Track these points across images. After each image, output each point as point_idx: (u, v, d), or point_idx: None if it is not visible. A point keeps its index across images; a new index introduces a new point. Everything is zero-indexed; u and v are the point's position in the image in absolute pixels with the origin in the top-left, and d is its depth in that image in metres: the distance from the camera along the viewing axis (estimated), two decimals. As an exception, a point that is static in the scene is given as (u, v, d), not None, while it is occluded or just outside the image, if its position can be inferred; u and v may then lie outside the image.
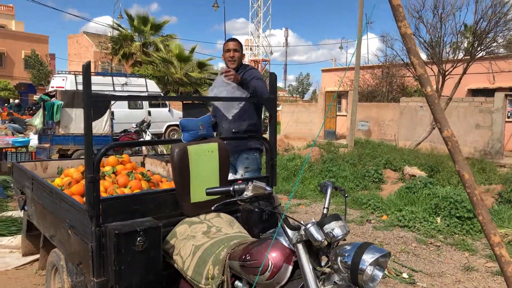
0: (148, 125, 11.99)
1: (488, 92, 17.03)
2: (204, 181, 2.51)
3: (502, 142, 13.80)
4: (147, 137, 11.75)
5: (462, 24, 11.08)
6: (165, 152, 12.33)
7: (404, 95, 18.09)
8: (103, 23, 62.95)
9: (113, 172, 3.32)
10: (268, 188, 1.79)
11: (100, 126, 10.20)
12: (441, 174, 7.43)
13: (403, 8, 1.75)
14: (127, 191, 3.02)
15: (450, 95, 11.01)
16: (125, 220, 2.29)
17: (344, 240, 1.85)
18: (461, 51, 10.82)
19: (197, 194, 2.49)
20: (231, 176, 3.20)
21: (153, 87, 15.77)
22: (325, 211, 2.02)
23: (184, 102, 2.82)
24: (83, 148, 7.81)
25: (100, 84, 13.99)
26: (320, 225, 1.80)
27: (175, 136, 16.12)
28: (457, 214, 5.35)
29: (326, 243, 1.78)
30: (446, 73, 10.45)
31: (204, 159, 2.50)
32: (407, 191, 6.36)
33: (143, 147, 11.55)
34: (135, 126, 12.03)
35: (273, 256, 1.86)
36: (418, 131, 15.29)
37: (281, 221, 1.81)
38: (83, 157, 2.23)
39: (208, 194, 1.90)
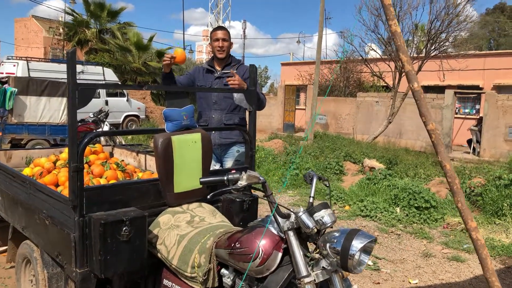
0: (106, 115, 11.67)
1: (438, 89, 17.89)
2: (187, 172, 2.52)
3: (451, 137, 14.59)
4: (106, 127, 11.45)
5: (413, 23, 11.49)
6: (123, 142, 12.08)
7: (361, 90, 18.66)
8: (55, 7, 60.03)
9: (86, 162, 3.25)
10: (262, 178, 1.84)
11: (57, 116, 9.85)
12: (399, 166, 7.78)
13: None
14: (102, 181, 2.97)
15: (406, 91, 11.49)
16: (108, 210, 2.27)
17: (331, 227, 1.94)
18: (415, 49, 11.28)
19: (181, 184, 2.50)
20: (213, 167, 3.21)
21: (111, 76, 15.33)
22: (311, 200, 2.10)
23: (167, 92, 2.78)
24: (38, 137, 7.51)
25: (55, 71, 13.45)
26: (310, 213, 1.87)
27: (133, 127, 15.79)
28: (416, 205, 5.64)
29: (315, 230, 1.86)
30: (403, 70, 10.87)
31: (188, 149, 2.51)
32: (368, 183, 6.62)
33: (102, 138, 11.26)
34: (92, 116, 11.68)
35: (263, 244, 1.92)
36: (374, 126, 15.85)
37: (274, 210, 1.86)
38: (49, 146, 2.18)
39: (202, 183, 1.92)
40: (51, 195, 2.39)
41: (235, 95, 3.21)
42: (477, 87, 17.20)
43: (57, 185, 2.94)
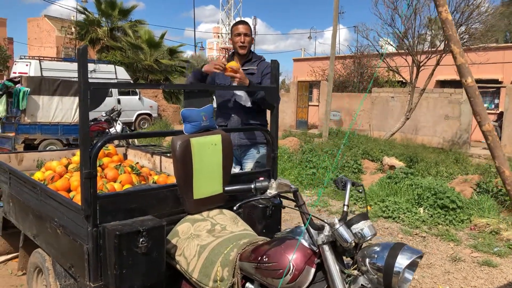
0: (119, 114, 11.59)
1: (456, 84, 17.48)
2: (207, 176, 2.35)
3: (470, 133, 14.21)
4: (118, 126, 11.36)
5: (426, 17, 11.09)
6: (136, 143, 11.99)
7: (375, 86, 18.32)
8: (67, 6, 60.43)
9: (99, 165, 3.09)
10: (293, 186, 1.66)
11: (70, 115, 9.77)
12: (420, 164, 7.51)
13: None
14: (117, 186, 2.81)
15: (424, 86, 11.18)
16: (123, 219, 2.11)
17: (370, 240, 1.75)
18: (434, 42, 10.95)
19: (200, 190, 2.33)
20: (232, 169, 3.03)
21: (123, 74, 15.26)
22: (345, 209, 1.90)
23: (185, 90, 2.62)
24: (51, 137, 7.41)
25: (67, 70, 13.41)
26: (347, 224, 1.68)
27: (146, 126, 15.71)
28: (441, 205, 5.40)
29: (353, 244, 1.67)
30: (421, 64, 10.57)
31: (207, 152, 2.33)
32: (389, 182, 6.39)
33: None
34: (104, 115, 11.59)
35: (295, 258, 1.74)
36: (389, 122, 15.52)
37: (307, 222, 1.68)
38: (64, 148, 2.02)
39: (226, 192, 1.75)
40: (63, 203, 2.23)
41: (238, 92, 3.08)
42: (496, 81, 16.76)
43: (69, 191, 2.79)
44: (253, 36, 3.38)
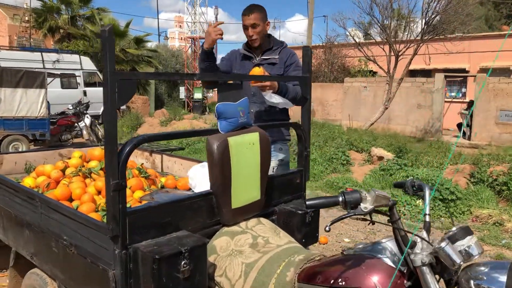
0: (87, 107, 10.95)
1: (424, 73, 17.75)
2: (245, 181, 2.02)
3: (441, 121, 14.45)
4: (87, 119, 10.72)
5: (389, 5, 10.92)
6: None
7: (346, 76, 18.31)
8: (17, -6, 57.11)
9: (101, 169, 2.69)
10: (392, 199, 1.37)
11: (35, 109, 9.06)
12: (409, 155, 7.43)
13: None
14: (128, 192, 2.42)
15: (402, 76, 11.16)
16: (154, 236, 1.75)
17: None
18: (411, 32, 10.93)
19: (239, 197, 2.00)
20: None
21: (89, 65, 14.45)
22: (427, 219, 1.63)
23: (219, 82, 2.25)
24: (15, 133, 6.76)
25: (28, 60, 12.52)
26: (450, 241, 1.41)
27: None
28: (440, 197, 5.29)
29: (461, 265, 1.41)
30: (399, 53, 10.52)
31: (245, 153, 2.00)
32: (383, 174, 6.24)
33: (84, 132, 10.51)
34: (71, 108, 10.91)
35: (379, 281, 1.46)
36: (362, 112, 15.55)
37: (409, 244, 1.39)
38: (50, 148, 1.64)
39: (309, 207, 1.43)
40: (78, 219, 1.84)
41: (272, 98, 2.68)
42: (463, 70, 17.12)
43: (70, 199, 2.38)
44: (267, 22, 2.89)
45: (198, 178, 2.44)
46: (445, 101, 16.54)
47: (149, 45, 21.80)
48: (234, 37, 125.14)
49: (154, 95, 22.26)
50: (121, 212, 1.62)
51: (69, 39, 19.16)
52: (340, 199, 1.39)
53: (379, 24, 10.48)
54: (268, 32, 2.95)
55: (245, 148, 2.00)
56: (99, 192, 2.47)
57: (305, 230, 2.26)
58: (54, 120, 9.81)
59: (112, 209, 1.60)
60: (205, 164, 2.75)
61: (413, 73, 17.92)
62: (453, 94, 17.60)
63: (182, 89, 27.40)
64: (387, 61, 11.24)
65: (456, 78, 16.71)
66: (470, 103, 13.97)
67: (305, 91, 2.44)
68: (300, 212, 2.24)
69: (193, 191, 2.63)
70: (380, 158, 7.27)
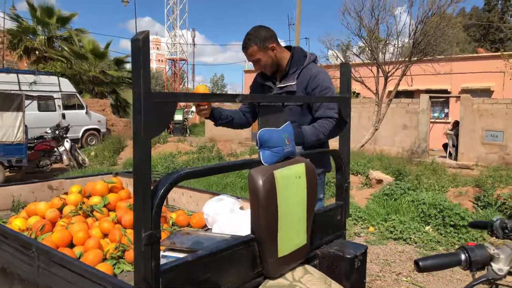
0: (67, 130, 10.45)
1: (406, 94, 17.87)
2: (292, 223, 1.68)
3: (427, 142, 14.45)
4: (67, 144, 10.20)
5: (376, 28, 10.93)
6: (87, 161, 10.80)
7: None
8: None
9: (105, 205, 2.30)
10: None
11: (12, 133, 8.50)
12: (409, 178, 7.21)
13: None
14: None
15: (391, 97, 11.09)
16: (192, 298, 1.39)
17: None
18: (400, 53, 10.92)
19: (286, 244, 1.65)
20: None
21: (68, 86, 13.93)
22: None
23: (260, 103, 1.92)
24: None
25: (3, 82, 11.93)
26: None
27: (94, 142, 14.38)
28: (451, 223, 5.03)
29: None
30: (389, 74, 10.46)
31: (292, 189, 1.67)
32: (387, 198, 5.97)
33: (64, 157, 9.97)
34: (49, 131, 10.38)
35: None
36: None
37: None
38: (36, 180, 1.28)
39: (423, 269, 1.09)
40: (96, 280, 1.46)
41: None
42: (445, 91, 17.30)
43: (71, 245, 1.99)
44: (270, 46, 2.39)
45: (215, 214, 2.10)
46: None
47: (128, 66, 21.38)
48: (211, 59, 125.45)
49: (132, 118, 21.82)
50: (154, 271, 1.25)
51: (45, 60, 18.58)
52: (463, 257, 1.07)
53: (367, 45, 10.41)
54: (284, 46, 2.50)
55: (292, 182, 1.67)
56: (104, 235, 2.08)
57: (353, 277, 1.93)
58: (32, 145, 9.26)
59: (142, 269, 1.24)
60: (222, 197, 2.40)
61: (396, 94, 18.01)
62: (435, 114, 17.74)
63: (162, 111, 26.91)
64: (375, 82, 11.16)
65: (439, 99, 16.87)
66: (455, 123, 14.03)
67: (345, 113, 2.14)
68: (348, 256, 1.90)
69: (209, 229, 2.29)
70: (379, 181, 7.03)
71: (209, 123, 22.51)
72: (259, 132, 1.62)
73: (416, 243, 4.92)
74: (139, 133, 1.21)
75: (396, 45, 10.37)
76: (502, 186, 6.10)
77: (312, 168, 1.78)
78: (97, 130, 14.52)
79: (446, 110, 17.56)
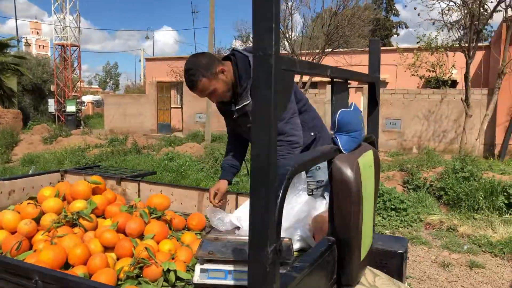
0: None
1: (323, 85, 18.54)
2: (367, 219, 1.45)
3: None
4: None
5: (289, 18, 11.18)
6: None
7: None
8: None
9: (92, 211, 1.82)
10: None
11: None
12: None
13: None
14: (151, 243, 1.64)
15: (306, 87, 11.34)
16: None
17: None
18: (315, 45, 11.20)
19: (364, 244, 1.42)
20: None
21: None
22: None
23: (333, 79, 1.57)
24: None
25: None
26: None
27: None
28: (392, 206, 5.23)
29: None
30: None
31: (366, 179, 1.44)
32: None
33: None
34: None
35: None
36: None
37: None
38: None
39: None
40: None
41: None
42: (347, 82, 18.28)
43: (66, 266, 1.51)
44: (218, 70, 1.99)
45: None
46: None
47: (15, 49, 18.98)
48: (98, 47, 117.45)
49: (17, 108, 19.42)
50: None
51: None
52: None
53: (284, 36, 10.48)
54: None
55: (368, 172, 1.43)
56: (106, 247, 1.63)
57: (403, 272, 1.77)
58: None
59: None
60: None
61: (313, 85, 18.63)
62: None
63: (51, 102, 24.66)
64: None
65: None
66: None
67: (375, 95, 1.95)
68: (400, 251, 1.73)
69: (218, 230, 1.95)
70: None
71: (108, 115, 21.08)
72: (339, 113, 1.35)
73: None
74: (266, 113, 0.88)
75: (311, 37, 10.58)
76: (426, 169, 6.55)
77: (378, 156, 1.57)
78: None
79: (305, 97, 18.57)
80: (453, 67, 12.51)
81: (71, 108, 23.18)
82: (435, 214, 5.27)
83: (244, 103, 2.01)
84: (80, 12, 26.97)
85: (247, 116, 2.04)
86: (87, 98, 33.65)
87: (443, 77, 12.84)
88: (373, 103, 1.98)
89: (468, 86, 8.83)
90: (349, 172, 1.28)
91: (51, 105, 24.52)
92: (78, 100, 24.87)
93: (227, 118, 2.30)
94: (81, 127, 21.67)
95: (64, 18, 26.57)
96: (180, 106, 18.88)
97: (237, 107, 2.06)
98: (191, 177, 6.85)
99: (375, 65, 1.96)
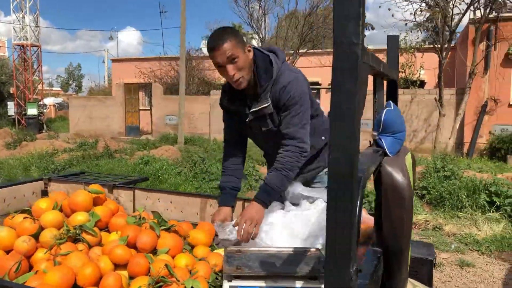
0: None
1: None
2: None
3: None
4: None
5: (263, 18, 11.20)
6: None
7: (211, 88, 17.99)
8: None
9: (95, 225, 1.63)
10: None
11: None
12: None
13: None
14: (167, 258, 1.48)
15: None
16: None
17: None
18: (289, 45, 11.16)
19: (409, 255, 1.32)
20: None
21: None
22: None
23: (380, 76, 1.41)
24: None
25: None
26: None
27: None
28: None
29: None
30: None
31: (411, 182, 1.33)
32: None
33: None
34: None
35: None
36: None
37: None
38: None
39: None
40: None
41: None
42: (317, 83, 18.45)
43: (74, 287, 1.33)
44: (247, 46, 1.82)
45: (278, 231, 1.66)
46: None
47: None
48: (58, 47, 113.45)
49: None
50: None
51: None
52: None
53: (258, 34, 10.39)
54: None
55: (410, 177, 1.33)
56: (116, 264, 1.46)
57: (432, 278, 1.69)
58: None
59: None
60: (293, 207, 1.86)
61: None
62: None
63: (11, 104, 23.66)
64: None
65: (313, 91, 17.93)
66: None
67: (396, 93, 1.86)
68: (430, 258, 1.65)
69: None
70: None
71: (73, 118, 20.33)
72: (384, 112, 1.25)
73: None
74: (349, 112, 0.75)
75: (285, 37, 10.54)
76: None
77: (414, 159, 1.47)
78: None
79: (318, 101, 18.77)
80: (421, 68, 12.80)
81: (32, 111, 22.32)
82: (419, 214, 5.29)
83: (263, 105, 1.84)
84: (39, 11, 25.86)
85: (263, 119, 1.89)
86: (48, 101, 32.44)
87: (412, 78, 13.12)
88: (394, 102, 1.88)
89: (442, 86, 9.00)
90: (400, 177, 1.18)
91: (11, 108, 23.54)
92: (40, 102, 23.94)
93: (232, 119, 2.12)
94: (43, 131, 20.83)
95: (24, 17, 25.54)
96: (149, 108, 18.46)
97: (252, 109, 1.88)
98: (169, 181, 6.62)
99: (394, 62, 1.86)
